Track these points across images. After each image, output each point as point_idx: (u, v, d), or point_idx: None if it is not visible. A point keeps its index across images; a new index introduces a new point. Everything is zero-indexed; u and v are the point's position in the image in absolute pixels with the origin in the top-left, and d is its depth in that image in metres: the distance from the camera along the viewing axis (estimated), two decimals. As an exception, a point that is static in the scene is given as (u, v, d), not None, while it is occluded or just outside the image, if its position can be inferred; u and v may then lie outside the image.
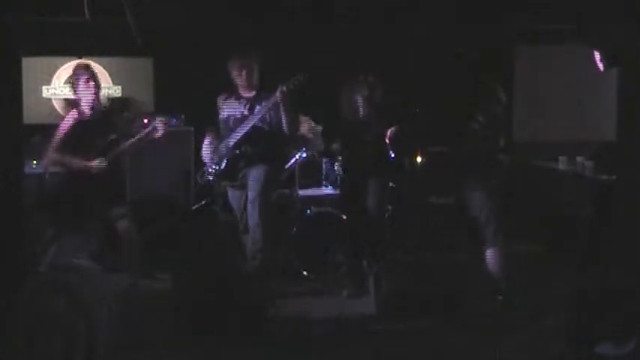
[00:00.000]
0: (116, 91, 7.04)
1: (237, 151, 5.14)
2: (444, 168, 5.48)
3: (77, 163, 4.97)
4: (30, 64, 6.76)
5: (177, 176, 6.53)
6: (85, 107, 5.09)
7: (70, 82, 5.32)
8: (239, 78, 5.15)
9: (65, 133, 5.03)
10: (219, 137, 5.26)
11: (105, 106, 5.23)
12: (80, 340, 3.64)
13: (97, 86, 5.13)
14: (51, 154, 5.03)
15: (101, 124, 5.12)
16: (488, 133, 4.92)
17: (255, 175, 5.12)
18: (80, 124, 5.06)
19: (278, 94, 4.94)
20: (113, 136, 5.13)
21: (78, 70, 5.15)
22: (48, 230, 5.20)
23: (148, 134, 5.09)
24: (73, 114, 5.11)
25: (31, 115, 6.34)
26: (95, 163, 4.96)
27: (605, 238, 5.20)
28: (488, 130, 4.91)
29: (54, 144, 5.01)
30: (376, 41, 6.74)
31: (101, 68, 7.06)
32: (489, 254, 4.86)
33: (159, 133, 5.08)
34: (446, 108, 5.35)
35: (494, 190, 4.88)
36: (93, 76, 5.09)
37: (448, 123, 5.23)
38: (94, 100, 5.08)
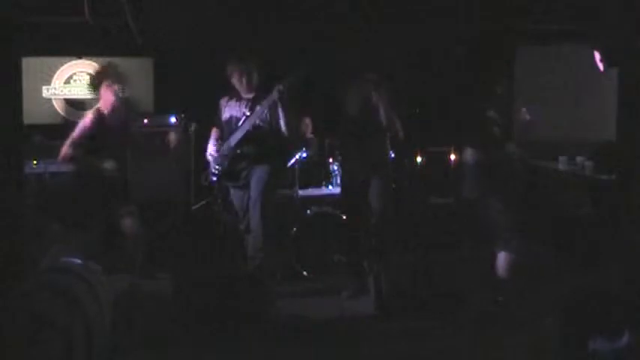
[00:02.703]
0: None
1: (239, 151, 5.15)
2: (446, 169, 5.49)
3: (91, 162, 5.07)
4: (30, 64, 6.76)
5: (177, 176, 6.53)
6: (105, 109, 5.24)
7: (93, 85, 5.45)
8: (238, 81, 5.18)
9: (84, 133, 5.14)
10: (222, 138, 5.27)
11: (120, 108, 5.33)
12: (79, 341, 3.63)
13: (119, 90, 5.39)
14: (68, 152, 5.13)
15: (116, 126, 5.23)
16: (503, 137, 4.91)
17: (257, 175, 5.13)
18: (99, 124, 5.17)
19: (275, 92, 4.96)
20: (123, 136, 5.25)
21: (102, 75, 5.34)
22: (49, 230, 5.21)
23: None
24: (93, 114, 5.23)
25: (31, 115, 6.34)
26: (107, 162, 5.05)
27: (605, 238, 5.20)
28: (503, 134, 4.90)
29: (72, 142, 5.11)
30: (377, 41, 6.74)
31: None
32: (499, 256, 4.84)
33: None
34: (451, 110, 5.35)
35: (510, 194, 4.87)
36: (116, 81, 5.28)
37: (468, 127, 5.20)
38: (114, 103, 5.26)
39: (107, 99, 5.24)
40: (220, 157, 5.22)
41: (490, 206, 4.81)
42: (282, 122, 5.07)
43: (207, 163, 5.34)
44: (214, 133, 5.35)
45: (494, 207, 4.79)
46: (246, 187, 5.18)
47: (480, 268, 4.98)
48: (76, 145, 5.13)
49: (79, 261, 4.33)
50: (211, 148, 5.28)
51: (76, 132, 5.18)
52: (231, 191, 5.37)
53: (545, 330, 4.13)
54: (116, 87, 5.30)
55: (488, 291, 4.93)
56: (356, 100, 5.20)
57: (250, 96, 5.22)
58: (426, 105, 6.66)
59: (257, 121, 5.10)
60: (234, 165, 5.19)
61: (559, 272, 5.34)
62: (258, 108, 5.10)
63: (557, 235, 6.06)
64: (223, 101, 5.32)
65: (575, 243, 5.74)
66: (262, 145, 5.13)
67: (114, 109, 5.25)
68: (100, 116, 5.24)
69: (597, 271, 4.89)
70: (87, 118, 5.25)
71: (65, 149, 5.15)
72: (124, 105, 5.38)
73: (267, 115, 5.11)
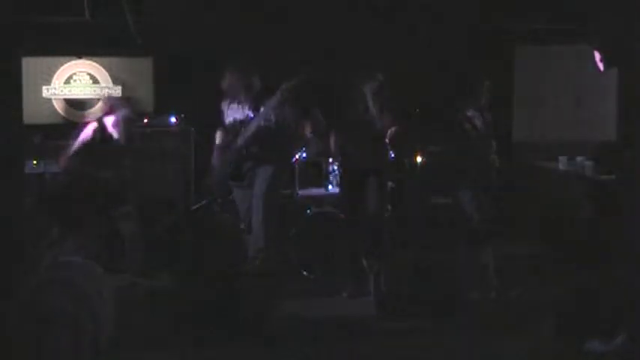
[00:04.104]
0: (116, 91, 7.04)
1: (244, 152, 5.15)
2: (443, 168, 5.51)
3: (89, 171, 5.08)
4: (30, 64, 6.76)
5: (177, 176, 6.53)
6: (108, 125, 5.28)
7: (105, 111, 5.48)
8: (239, 86, 5.18)
9: (83, 144, 5.15)
10: (227, 140, 5.28)
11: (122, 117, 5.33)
12: (84, 334, 3.65)
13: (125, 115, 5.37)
14: (66, 160, 5.13)
15: (117, 137, 5.24)
16: (480, 135, 4.95)
17: (261, 176, 5.13)
18: (100, 136, 5.18)
19: (279, 93, 4.96)
20: (123, 142, 5.27)
21: (112, 105, 5.37)
22: (50, 230, 5.22)
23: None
24: (94, 127, 5.24)
25: (31, 115, 6.34)
26: (106, 168, 5.08)
27: (605, 239, 5.20)
28: (479, 132, 4.94)
29: (71, 152, 5.12)
30: (376, 40, 6.75)
31: (101, 68, 7.08)
32: (480, 254, 4.89)
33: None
34: (442, 109, 5.37)
35: (484, 191, 4.90)
36: (124, 110, 5.29)
37: (443, 124, 5.25)
38: (117, 122, 5.29)
39: (110, 119, 5.28)
40: (226, 158, 5.24)
41: (467, 203, 4.87)
42: (287, 122, 5.07)
43: (213, 164, 5.36)
44: (218, 135, 5.34)
45: (470, 203, 4.85)
46: (249, 187, 5.19)
47: (477, 267, 4.99)
48: (74, 155, 5.14)
49: (82, 258, 4.35)
50: (217, 150, 5.29)
51: (77, 143, 5.19)
52: (234, 191, 5.38)
53: (544, 330, 4.14)
54: (124, 116, 5.32)
55: (487, 290, 4.95)
56: (353, 99, 5.20)
57: (253, 97, 5.22)
58: (426, 105, 6.66)
59: (262, 122, 5.10)
60: (239, 166, 5.19)
61: (558, 272, 5.34)
62: (262, 109, 5.10)
63: (557, 235, 6.06)
64: (225, 104, 5.33)
65: (574, 243, 5.74)
66: (267, 145, 5.14)
67: (115, 125, 5.27)
68: (101, 128, 5.25)
69: (596, 272, 4.89)
70: (88, 129, 5.26)
71: (64, 159, 5.15)
72: (126, 121, 5.37)
73: (272, 115, 5.11)
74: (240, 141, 5.14)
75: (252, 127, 5.10)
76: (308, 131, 6.69)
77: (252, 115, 5.15)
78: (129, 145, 5.42)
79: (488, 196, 4.99)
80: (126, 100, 5.59)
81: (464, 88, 5.12)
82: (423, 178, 6.12)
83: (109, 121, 5.28)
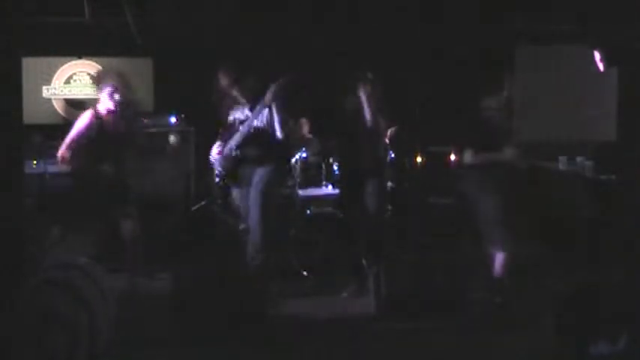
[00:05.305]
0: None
1: (239, 153, 5.15)
2: (445, 168, 5.50)
3: (89, 164, 5.06)
4: (30, 64, 6.76)
5: (177, 177, 6.54)
6: (104, 111, 5.19)
7: (96, 86, 5.38)
8: (234, 87, 5.17)
9: (81, 135, 5.11)
10: (228, 140, 5.28)
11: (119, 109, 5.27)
12: (83, 334, 3.65)
13: (119, 93, 5.25)
14: (66, 153, 5.10)
15: (115, 127, 5.21)
16: (503, 139, 4.92)
17: (258, 175, 5.13)
18: (96, 126, 5.15)
19: (268, 94, 4.97)
20: (122, 138, 5.24)
21: (104, 78, 5.29)
22: (50, 230, 5.22)
23: None
24: (90, 116, 5.19)
25: (31, 115, 6.35)
26: (104, 164, 5.05)
27: (605, 239, 5.21)
28: (494, 132, 4.92)
29: (69, 144, 5.09)
30: (377, 41, 6.76)
31: (101, 68, 7.08)
32: (493, 255, 4.86)
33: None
34: (452, 110, 5.36)
35: (501, 192, 4.87)
36: (117, 84, 5.22)
37: (457, 125, 5.23)
38: (112, 107, 5.19)
39: (105, 102, 5.19)
40: (223, 159, 5.24)
41: (486, 207, 4.84)
42: (276, 123, 5.07)
43: (213, 164, 5.35)
44: (221, 135, 5.34)
45: (491, 207, 4.81)
46: (248, 186, 5.20)
47: (480, 268, 4.99)
48: (73, 146, 5.10)
49: (82, 258, 4.35)
50: (215, 151, 5.28)
51: (73, 133, 5.14)
52: (234, 192, 5.38)
53: (545, 331, 4.14)
54: (116, 91, 5.22)
55: (488, 291, 4.94)
56: (349, 99, 5.20)
57: (250, 98, 5.22)
58: (427, 105, 6.67)
59: (255, 123, 5.11)
60: (236, 166, 5.20)
61: (559, 273, 5.34)
62: (256, 110, 5.11)
63: (557, 235, 6.06)
64: (226, 104, 5.33)
65: (575, 243, 5.75)
66: (262, 146, 5.14)
67: (111, 113, 5.20)
68: (97, 118, 5.19)
69: (597, 272, 4.89)
70: (83, 120, 5.19)
71: (63, 151, 5.12)
72: (123, 108, 5.31)
73: (265, 116, 5.12)
74: (234, 142, 5.15)
75: (245, 129, 5.11)
76: (307, 131, 6.71)
77: (249, 115, 5.15)
78: (130, 136, 5.37)
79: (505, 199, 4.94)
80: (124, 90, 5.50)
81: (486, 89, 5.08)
82: (428, 178, 6.12)
83: (106, 108, 5.20)
